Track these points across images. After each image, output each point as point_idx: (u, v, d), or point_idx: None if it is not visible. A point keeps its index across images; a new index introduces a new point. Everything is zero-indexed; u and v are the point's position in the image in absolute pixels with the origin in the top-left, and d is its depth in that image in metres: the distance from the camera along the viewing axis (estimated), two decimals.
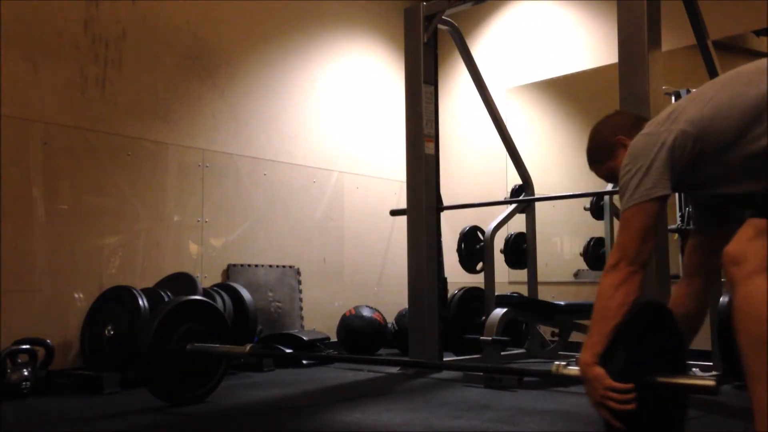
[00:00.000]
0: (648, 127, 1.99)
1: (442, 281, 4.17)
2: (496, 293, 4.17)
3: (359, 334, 4.97)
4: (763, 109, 1.80)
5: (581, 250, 4.85)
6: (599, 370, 1.78)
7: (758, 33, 4.74)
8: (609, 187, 4.61)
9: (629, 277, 1.84)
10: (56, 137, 3.89)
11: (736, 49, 4.95)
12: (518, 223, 4.70)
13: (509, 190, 5.05)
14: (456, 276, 4.57)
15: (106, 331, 3.65)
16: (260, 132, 4.95)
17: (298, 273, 5.06)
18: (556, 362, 2.16)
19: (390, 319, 5.21)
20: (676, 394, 1.94)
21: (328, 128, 5.44)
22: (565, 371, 2.12)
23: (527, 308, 4.04)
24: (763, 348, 1.62)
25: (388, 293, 5.56)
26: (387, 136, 5.84)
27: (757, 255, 1.69)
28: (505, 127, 4.69)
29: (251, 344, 3.04)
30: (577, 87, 5.64)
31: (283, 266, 4.98)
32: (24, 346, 3.44)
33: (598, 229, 4.82)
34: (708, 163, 1.90)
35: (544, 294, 4.61)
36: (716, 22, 4.11)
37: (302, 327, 4.94)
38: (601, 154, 2.19)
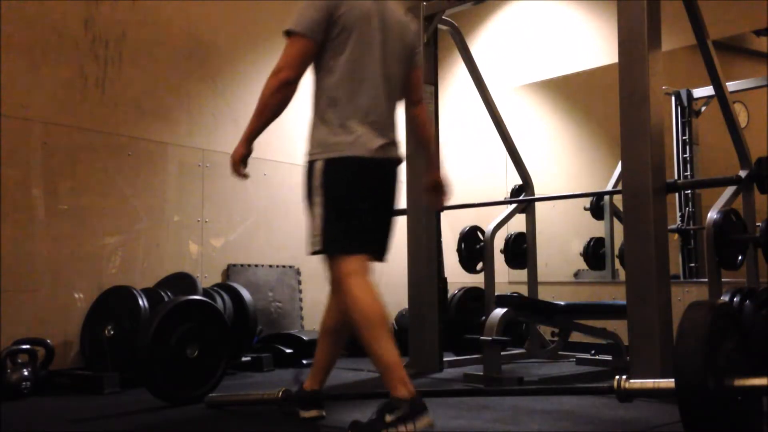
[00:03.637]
0: None
1: (442, 281, 4.17)
2: (496, 293, 4.17)
3: None
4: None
5: (581, 250, 4.85)
6: (244, 150, 2.51)
7: (758, 33, 4.74)
8: (609, 187, 4.62)
9: (287, 85, 2.34)
10: (56, 137, 3.89)
11: (736, 49, 4.95)
12: (518, 223, 4.70)
13: (509, 190, 5.05)
14: (456, 276, 4.57)
15: (106, 331, 3.65)
16: None
17: (298, 273, 5.06)
18: (617, 376, 2.02)
19: (390, 319, 5.21)
20: (755, 397, 1.89)
21: None
22: (630, 385, 1.98)
23: (527, 308, 4.03)
24: (365, 325, 2.37)
25: (388, 293, 5.50)
26: None
27: (333, 270, 2.53)
28: (505, 127, 4.69)
29: (284, 389, 2.76)
30: (577, 87, 5.64)
31: (283, 266, 4.98)
32: (24, 346, 3.44)
33: (598, 229, 4.83)
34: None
35: (544, 294, 4.61)
36: (716, 22, 4.11)
37: (302, 327, 4.94)
38: None
